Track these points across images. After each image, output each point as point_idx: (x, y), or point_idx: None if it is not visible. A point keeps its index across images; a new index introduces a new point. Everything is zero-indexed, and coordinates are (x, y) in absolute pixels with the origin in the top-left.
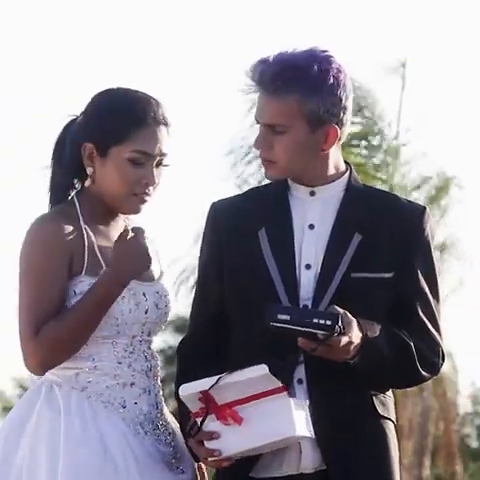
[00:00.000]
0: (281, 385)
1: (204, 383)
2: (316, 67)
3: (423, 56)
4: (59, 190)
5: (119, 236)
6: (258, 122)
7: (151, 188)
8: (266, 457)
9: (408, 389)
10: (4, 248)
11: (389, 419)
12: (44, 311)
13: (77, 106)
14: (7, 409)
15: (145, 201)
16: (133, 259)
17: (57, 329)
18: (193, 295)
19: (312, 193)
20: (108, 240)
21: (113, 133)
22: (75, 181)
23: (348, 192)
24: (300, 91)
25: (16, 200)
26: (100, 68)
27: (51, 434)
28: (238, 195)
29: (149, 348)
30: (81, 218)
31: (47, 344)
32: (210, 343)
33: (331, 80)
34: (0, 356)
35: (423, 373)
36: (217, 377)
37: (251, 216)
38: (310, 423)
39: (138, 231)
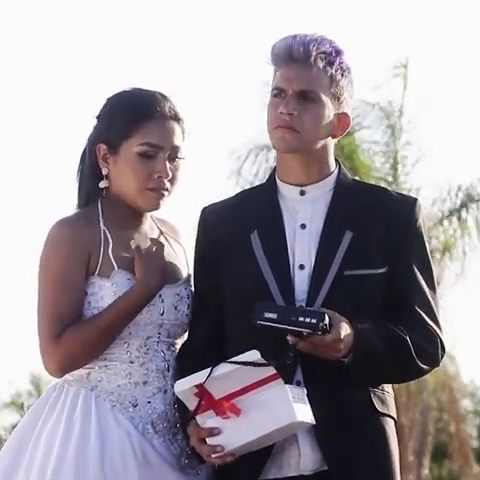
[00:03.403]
0: (275, 372)
1: (198, 376)
2: (346, 57)
3: (425, 56)
4: (83, 195)
5: (137, 254)
6: (281, 93)
7: (166, 182)
8: (266, 459)
9: (410, 390)
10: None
11: (389, 416)
12: (64, 314)
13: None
14: (16, 404)
15: (162, 196)
16: (158, 271)
17: (80, 336)
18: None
19: (302, 193)
20: (129, 242)
21: (121, 129)
22: (99, 184)
23: (338, 189)
24: (334, 69)
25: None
26: (101, 71)
27: (49, 437)
28: (228, 199)
29: (169, 349)
30: (101, 220)
31: (69, 350)
32: (210, 348)
33: (353, 76)
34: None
35: (422, 366)
36: (210, 368)
37: (242, 219)
38: (310, 410)
39: (157, 244)
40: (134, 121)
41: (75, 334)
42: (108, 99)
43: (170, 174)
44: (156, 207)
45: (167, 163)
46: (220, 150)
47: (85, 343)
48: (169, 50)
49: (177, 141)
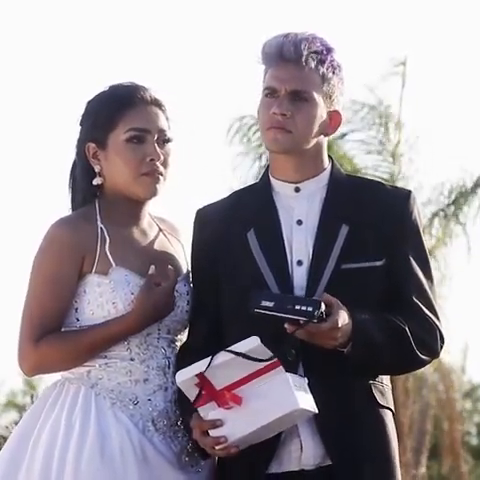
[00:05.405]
0: (275, 359)
1: (199, 365)
2: (336, 55)
3: (424, 54)
4: (78, 198)
5: (146, 282)
6: (273, 93)
7: (159, 165)
8: (266, 455)
9: (408, 387)
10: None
11: (388, 408)
12: (47, 319)
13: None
14: (11, 403)
15: (158, 180)
16: (157, 310)
17: (59, 347)
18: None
19: (297, 189)
20: (127, 240)
21: (106, 122)
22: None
23: (332, 184)
24: (325, 67)
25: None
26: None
27: (49, 438)
28: (223, 199)
29: (169, 346)
30: (99, 218)
31: (45, 357)
32: (210, 346)
33: (343, 71)
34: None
35: (422, 357)
36: (210, 357)
37: (238, 219)
38: (311, 398)
39: (167, 275)
40: (116, 111)
41: (54, 344)
42: (88, 102)
43: (161, 157)
44: (154, 193)
45: (157, 146)
46: (221, 150)
47: (63, 355)
48: (167, 50)
49: (162, 124)
